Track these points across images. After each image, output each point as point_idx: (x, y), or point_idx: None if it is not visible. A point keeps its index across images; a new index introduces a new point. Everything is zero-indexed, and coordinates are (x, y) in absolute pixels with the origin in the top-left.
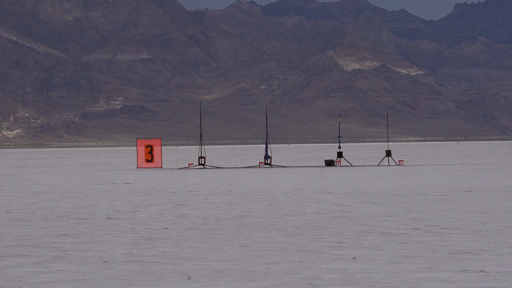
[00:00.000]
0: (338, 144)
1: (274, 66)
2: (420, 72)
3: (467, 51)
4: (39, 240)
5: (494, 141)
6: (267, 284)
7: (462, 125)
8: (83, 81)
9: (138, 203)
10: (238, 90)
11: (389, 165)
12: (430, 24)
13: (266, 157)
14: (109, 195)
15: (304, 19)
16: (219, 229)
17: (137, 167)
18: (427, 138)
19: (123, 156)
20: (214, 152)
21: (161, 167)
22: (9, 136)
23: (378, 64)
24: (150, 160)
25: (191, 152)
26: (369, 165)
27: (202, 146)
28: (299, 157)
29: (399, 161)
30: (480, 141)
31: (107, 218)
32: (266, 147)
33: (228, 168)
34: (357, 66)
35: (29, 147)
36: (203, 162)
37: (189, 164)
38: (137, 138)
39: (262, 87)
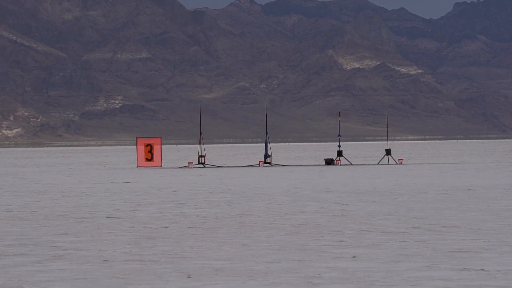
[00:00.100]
0: (338, 143)
1: (274, 65)
2: (419, 70)
3: (467, 50)
4: (39, 239)
5: (493, 140)
6: (267, 283)
7: (461, 123)
8: (82, 80)
9: (138, 202)
10: (238, 89)
11: (389, 163)
12: (429, 23)
13: (266, 156)
14: (109, 194)
15: (303, 18)
16: (219, 228)
17: (137, 166)
18: (427, 137)
19: (123, 155)
20: (214, 151)
21: (161, 166)
22: (9, 135)
23: (378, 63)
24: (150, 159)
25: (191, 151)
26: (369, 164)
27: (202, 145)
28: (299, 156)
29: (399, 159)
30: (480, 140)
31: (107, 217)
32: (266, 146)
33: (228, 167)
34: (356, 65)
35: (29, 146)
36: (203, 161)
37: (189, 163)
38: (137, 137)
39: (262, 86)
